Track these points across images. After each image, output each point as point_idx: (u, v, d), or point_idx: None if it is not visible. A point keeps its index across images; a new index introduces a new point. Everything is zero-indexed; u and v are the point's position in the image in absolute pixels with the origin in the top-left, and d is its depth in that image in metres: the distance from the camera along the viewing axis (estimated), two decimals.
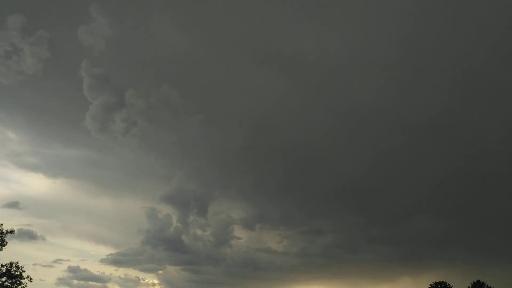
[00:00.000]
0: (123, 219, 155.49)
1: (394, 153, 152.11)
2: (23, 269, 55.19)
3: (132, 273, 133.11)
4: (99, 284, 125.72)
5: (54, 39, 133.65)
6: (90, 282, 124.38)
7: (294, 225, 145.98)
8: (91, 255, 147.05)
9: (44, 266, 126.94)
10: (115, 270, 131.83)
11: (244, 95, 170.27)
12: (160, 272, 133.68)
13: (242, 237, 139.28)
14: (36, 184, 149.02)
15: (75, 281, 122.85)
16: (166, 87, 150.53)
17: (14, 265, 54.55)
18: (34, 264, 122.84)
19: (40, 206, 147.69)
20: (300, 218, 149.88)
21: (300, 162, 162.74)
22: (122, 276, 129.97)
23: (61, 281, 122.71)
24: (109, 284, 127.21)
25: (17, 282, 54.24)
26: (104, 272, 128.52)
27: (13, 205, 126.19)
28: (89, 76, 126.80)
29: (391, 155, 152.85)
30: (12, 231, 55.49)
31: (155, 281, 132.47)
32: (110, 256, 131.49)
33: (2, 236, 53.87)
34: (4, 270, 53.99)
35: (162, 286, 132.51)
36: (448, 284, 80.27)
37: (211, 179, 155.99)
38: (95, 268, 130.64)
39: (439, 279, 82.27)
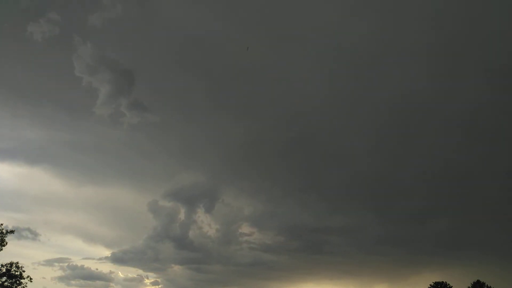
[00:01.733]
0: (121, 214, 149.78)
1: (412, 153, 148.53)
2: (23, 269, 55.60)
3: (133, 271, 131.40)
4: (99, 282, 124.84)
5: (64, 21, 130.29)
6: (89, 281, 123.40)
7: (305, 223, 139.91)
8: (86, 253, 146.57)
9: (42, 265, 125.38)
10: (115, 268, 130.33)
11: (260, 83, 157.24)
12: (163, 270, 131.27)
13: (250, 234, 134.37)
14: (13, 173, 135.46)
15: (73, 281, 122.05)
16: (175, 73, 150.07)
17: (14, 265, 54.84)
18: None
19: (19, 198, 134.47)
20: (310, 216, 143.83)
21: (314, 157, 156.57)
22: (123, 274, 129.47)
23: (57, 279, 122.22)
24: (110, 283, 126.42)
25: (17, 282, 54.49)
26: (100, 269, 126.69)
27: None
28: (90, 58, 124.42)
29: (408, 154, 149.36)
30: (12, 231, 55.75)
31: (158, 279, 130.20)
32: (110, 255, 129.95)
33: (2, 236, 54.04)
34: (4, 270, 54.22)
35: (162, 286, 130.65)
36: (448, 284, 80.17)
37: (219, 174, 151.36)
38: (91, 267, 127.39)
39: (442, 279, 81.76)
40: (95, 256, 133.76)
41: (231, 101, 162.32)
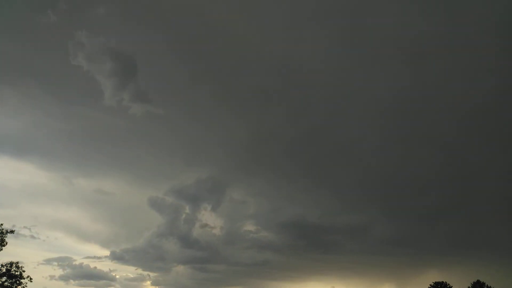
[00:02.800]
0: (120, 210, 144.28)
1: (424, 152, 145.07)
2: (23, 269, 55.57)
3: (134, 270, 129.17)
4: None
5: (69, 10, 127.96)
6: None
7: (312, 222, 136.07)
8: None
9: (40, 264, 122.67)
10: (115, 267, 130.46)
11: (270, 77, 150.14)
12: (165, 269, 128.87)
13: (256, 232, 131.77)
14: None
15: (73, 281, 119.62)
16: (180, 66, 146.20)
17: (14, 265, 54.82)
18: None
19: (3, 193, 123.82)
20: (318, 215, 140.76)
21: (324, 155, 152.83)
22: (124, 273, 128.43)
23: (53, 279, 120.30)
24: (111, 282, 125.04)
25: (17, 282, 54.48)
26: (99, 268, 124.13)
27: None
28: (89, 45, 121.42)
29: (420, 153, 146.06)
30: (12, 231, 55.69)
31: (160, 279, 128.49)
32: (110, 253, 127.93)
33: (2, 236, 54.01)
34: (4, 270, 54.20)
35: (164, 286, 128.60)
36: (448, 284, 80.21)
37: (225, 170, 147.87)
38: (90, 265, 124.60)
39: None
40: (93, 255, 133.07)
41: (240, 95, 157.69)
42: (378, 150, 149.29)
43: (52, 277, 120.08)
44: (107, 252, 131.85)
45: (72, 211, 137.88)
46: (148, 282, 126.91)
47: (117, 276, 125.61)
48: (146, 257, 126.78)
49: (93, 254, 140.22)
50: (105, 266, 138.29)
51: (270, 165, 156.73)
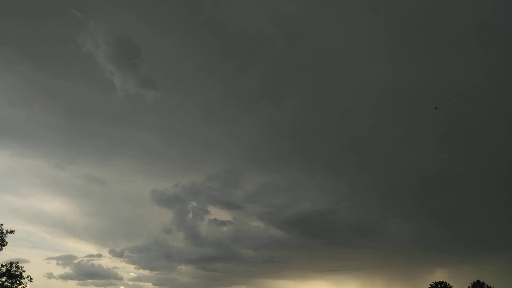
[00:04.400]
0: (118, 205, 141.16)
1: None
2: (23, 269, 55.49)
3: (136, 269, 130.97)
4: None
5: None
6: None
7: (322, 221, 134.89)
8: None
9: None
10: (114, 266, 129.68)
11: (287, 62, 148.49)
12: (168, 268, 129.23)
13: (264, 230, 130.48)
14: None
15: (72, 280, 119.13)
16: (191, 52, 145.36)
17: (14, 265, 54.74)
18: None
19: None
20: (331, 213, 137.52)
21: (338, 150, 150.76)
22: (125, 272, 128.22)
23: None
24: (111, 280, 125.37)
25: (17, 282, 54.43)
26: (99, 267, 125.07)
27: None
28: (84, 22, 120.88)
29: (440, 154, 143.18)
30: (12, 231, 55.59)
31: (161, 276, 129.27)
32: (109, 251, 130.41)
33: (2, 236, 53.95)
34: (4, 270, 54.13)
35: (165, 286, 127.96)
36: (448, 284, 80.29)
37: (235, 165, 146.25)
38: (88, 263, 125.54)
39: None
40: (95, 253, 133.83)
41: (253, 90, 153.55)
42: (391, 149, 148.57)
43: (50, 275, 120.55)
44: (106, 250, 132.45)
45: (62, 204, 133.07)
46: (150, 282, 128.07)
47: (118, 274, 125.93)
48: (148, 255, 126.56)
49: (94, 252, 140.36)
50: (104, 264, 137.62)
51: (282, 161, 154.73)
